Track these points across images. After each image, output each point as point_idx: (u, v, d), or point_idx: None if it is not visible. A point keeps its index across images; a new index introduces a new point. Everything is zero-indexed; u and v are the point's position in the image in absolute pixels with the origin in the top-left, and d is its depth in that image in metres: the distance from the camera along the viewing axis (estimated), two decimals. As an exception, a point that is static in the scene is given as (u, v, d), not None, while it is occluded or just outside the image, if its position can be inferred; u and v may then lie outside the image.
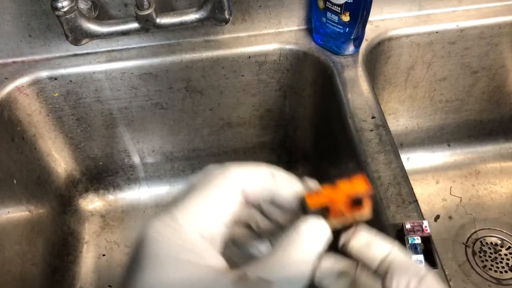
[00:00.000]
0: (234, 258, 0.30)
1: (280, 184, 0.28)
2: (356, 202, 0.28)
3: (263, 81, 0.67)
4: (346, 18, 0.56)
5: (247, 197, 0.27)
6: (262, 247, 0.32)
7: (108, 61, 0.62)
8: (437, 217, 0.75)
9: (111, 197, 0.79)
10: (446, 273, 0.41)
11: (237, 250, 0.31)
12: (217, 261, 0.25)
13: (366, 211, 0.29)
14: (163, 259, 0.24)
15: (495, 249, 0.71)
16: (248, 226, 0.32)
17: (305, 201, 0.28)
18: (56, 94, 0.63)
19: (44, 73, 0.61)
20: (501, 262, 0.69)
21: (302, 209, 0.28)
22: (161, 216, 0.26)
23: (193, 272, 0.23)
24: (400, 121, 0.77)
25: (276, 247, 0.25)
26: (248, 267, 0.24)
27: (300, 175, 0.85)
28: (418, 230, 0.41)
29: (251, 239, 0.32)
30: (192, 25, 0.55)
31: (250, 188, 0.27)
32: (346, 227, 0.29)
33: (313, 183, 0.29)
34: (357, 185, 0.29)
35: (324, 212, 0.28)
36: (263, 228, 0.31)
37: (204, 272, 0.24)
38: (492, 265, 0.69)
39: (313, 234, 0.26)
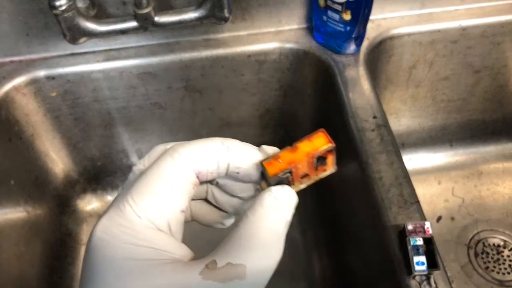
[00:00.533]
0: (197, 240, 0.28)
1: (236, 156, 0.26)
2: (319, 160, 0.27)
3: (263, 81, 0.66)
4: (347, 16, 0.55)
5: (200, 176, 0.25)
6: (226, 221, 0.31)
7: (106, 60, 0.61)
8: (439, 218, 0.74)
9: (109, 197, 0.78)
10: (448, 274, 0.41)
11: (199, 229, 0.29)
12: (180, 252, 0.23)
13: (330, 166, 0.28)
14: (117, 263, 0.21)
15: (497, 250, 0.70)
16: (206, 201, 0.30)
17: (265, 169, 0.26)
18: (54, 94, 0.63)
19: (41, 73, 0.61)
20: (504, 264, 0.69)
21: (264, 178, 0.27)
22: (109, 212, 0.24)
23: (155, 272, 0.21)
24: (401, 121, 0.77)
25: (242, 225, 0.23)
26: (215, 252, 0.23)
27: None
28: (420, 231, 0.41)
29: (213, 214, 0.30)
30: (191, 23, 0.55)
31: (202, 166, 0.25)
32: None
33: (272, 149, 0.28)
34: (317, 143, 0.27)
35: (288, 177, 0.26)
36: (223, 202, 0.29)
37: (168, 269, 0.21)
38: (494, 267, 0.69)
39: (279, 203, 0.24)
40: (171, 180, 0.24)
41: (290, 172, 0.26)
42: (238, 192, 0.29)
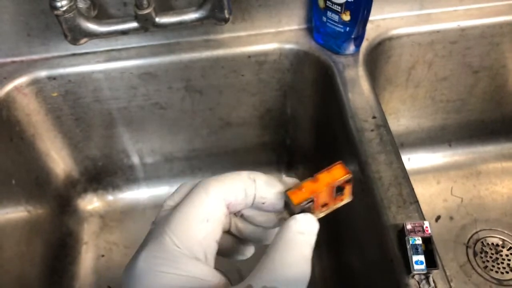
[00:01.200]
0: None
1: (262, 187, 0.28)
2: (338, 190, 0.30)
3: (263, 81, 0.66)
4: (346, 17, 0.56)
5: (230, 207, 0.28)
6: (247, 252, 0.32)
7: (107, 60, 0.62)
8: (438, 218, 0.75)
9: (110, 197, 0.78)
10: (447, 273, 0.41)
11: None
12: (216, 279, 0.25)
13: (347, 196, 0.31)
14: None
15: (496, 249, 0.71)
16: (228, 232, 0.31)
17: (289, 198, 0.28)
18: (55, 94, 0.63)
19: (43, 73, 0.61)
20: (502, 263, 0.69)
21: (287, 207, 0.29)
22: (148, 245, 0.25)
23: None
24: (401, 121, 0.77)
25: (272, 250, 0.25)
26: (250, 277, 0.24)
27: (300, 175, 0.85)
28: (419, 231, 0.41)
29: (236, 245, 0.32)
30: (192, 24, 0.55)
31: (232, 198, 0.27)
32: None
33: (292, 180, 0.30)
34: (336, 174, 0.30)
35: (310, 205, 0.29)
36: (247, 233, 0.31)
37: None
38: (493, 266, 0.69)
39: (305, 230, 0.27)
40: (205, 212, 0.26)
41: (312, 201, 0.29)
42: (263, 222, 0.30)
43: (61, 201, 0.73)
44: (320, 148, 0.72)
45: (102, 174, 0.76)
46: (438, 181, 0.79)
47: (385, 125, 0.53)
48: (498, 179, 0.79)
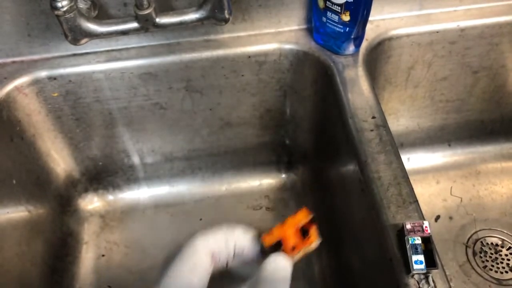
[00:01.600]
0: None
1: (240, 235, 0.33)
2: (303, 232, 0.34)
3: (263, 81, 0.66)
4: (346, 17, 0.56)
5: (214, 256, 0.32)
6: None
7: (107, 61, 0.62)
8: (437, 218, 0.75)
9: (110, 197, 0.79)
10: (447, 273, 0.41)
11: None
12: None
13: (314, 237, 0.35)
14: None
15: (495, 249, 0.71)
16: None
17: (262, 241, 0.33)
18: (56, 94, 0.63)
19: (43, 73, 0.61)
20: (502, 263, 0.69)
21: (262, 250, 0.33)
22: None
23: None
24: (400, 121, 0.77)
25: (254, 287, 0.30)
26: None
27: (300, 175, 0.85)
28: (419, 231, 0.41)
29: None
30: (192, 24, 0.55)
31: (216, 247, 0.32)
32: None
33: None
34: (299, 217, 0.34)
35: (280, 248, 0.33)
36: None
37: None
38: (492, 266, 0.69)
39: (279, 267, 0.31)
40: (192, 265, 0.30)
41: (281, 244, 0.33)
42: (241, 270, 0.35)
43: (61, 201, 0.73)
44: (320, 148, 0.72)
45: (103, 174, 0.77)
46: (438, 181, 0.79)
47: (384, 125, 0.53)
48: (497, 179, 0.79)
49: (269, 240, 0.33)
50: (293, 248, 0.34)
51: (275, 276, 0.31)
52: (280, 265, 0.32)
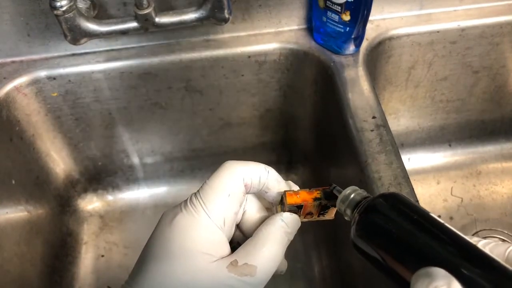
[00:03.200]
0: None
1: (272, 180, 0.34)
2: (324, 208, 0.35)
3: (263, 81, 0.66)
4: (346, 17, 0.56)
5: (246, 188, 0.33)
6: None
7: (107, 60, 0.62)
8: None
9: (110, 197, 0.78)
10: (448, 274, 0.41)
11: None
12: (224, 250, 0.31)
13: (330, 215, 0.36)
14: (183, 252, 0.30)
15: (496, 249, 0.70)
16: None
17: (285, 197, 0.34)
18: (55, 94, 0.63)
19: (42, 73, 0.61)
20: (503, 263, 0.69)
21: (281, 203, 0.35)
22: (188, 207, 0.32)
23: (200, 264, 0.30)
24: (401, 121, 0.77)
25: (257, 236, 0.32)
26: (237, 252, 0.31)
27: (300, 175, 0.84)
28: (419, 231, 0.41)
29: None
30: (192, 24, 0.55)
31: (249, 181, 0.33)
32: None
33: (295, 186, 0.36)
34: (327, 195, 0.35)
35: (298, 209, 0.34)
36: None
37: (206, 259, 0.30)
38: (493, 266, 0.69)
39: (286, 226, 0.33)
40: (228, 188, 0.32)
41: (301, 207, 0.34)
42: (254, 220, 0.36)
43: (61, 201, 0.73)
44: (320, 148, 0.72)
45: (102, 174, 0.76)
46: (438, 181, 0.79)
47: (385, 125, 0.53)
48: (498, 179, 0.79)
49: (292, 200, 0.34)
50: (308, 214, 0.35)
51: (281, 232, 0.32)
52: (291, 225, 0.33)
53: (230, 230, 0.33)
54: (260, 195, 0.36)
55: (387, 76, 0.69)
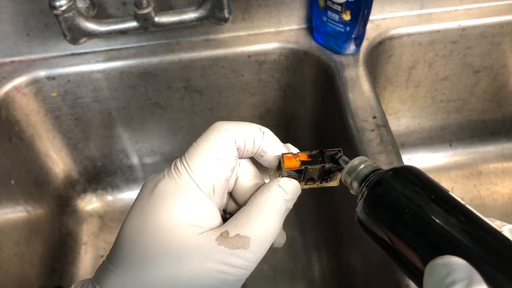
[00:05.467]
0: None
1: (268, 142, 0.30)
2: (328, 173, 0.30)
3: (263, 81, 0.66)
4: (347, 17, 0.56)
5: (239, 151, 0.29)
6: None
7: (106, 60, 0.62)
8: (438, 218, 0.74)
9: (109, 197, 0.78)
10: (448, 275, 0.41)
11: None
12: (213, 221, 0.28)
13: (334, 181, 0.32)
14: (165, 224, 0.26)
15: (497, 250, 0.70)
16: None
17: (283, 161, 0.29)
18: (54, 94, 0.63)
19: (42, 73, 0.61)
20: (503, 263, 0.69)
21: (279, 168, 0.30)
22: (172, 172, 0.28)
23: (184, 232, 0.26)
24: (401, 121, 0.77)
25: (251, 204, 0.28)
26: (228, 223, 0.28)
27: (300, 175, 0.83)
28: (420, 231, 0.41)
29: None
30: (191, 24, 0.55)
31: (242, 143, 0.29)
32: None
33: (295, 149, 0.32)
34: (332, 156, 0.30)
35: (297, 174, 0.30)
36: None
37: (193, 230, 0.27)
38: (494, 267, 0.69)
39: (283, 193, 0.29)
40: (218, 151, 0.28)
41: (301, 172, 0.30)
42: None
43: (60, 201, 0.73)
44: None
45: (102, 174, 0.76)
46: (439, 181, 0.78)
47: (385, 125, 0.53)
48: (498, 179, 0.79)
49: (291, 163, 0.29)
50: (309, 180, 0.31)
51: (277, 200, 0.28)
52: (288, 190, 0.29)
53: (221, 198, 0.29)
54: (255, 159, 0.32)
55: (387, 76, 0.69)
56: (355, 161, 0.29)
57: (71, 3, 0.50)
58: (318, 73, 0.63)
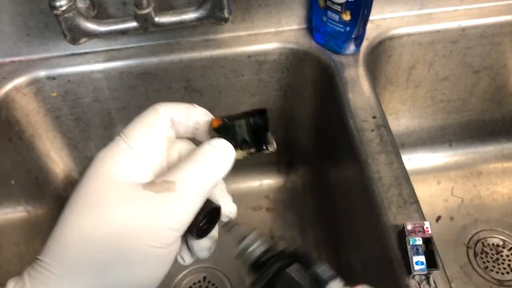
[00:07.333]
0: None
1: (200, 114, 0.33)
2: (257, 134, 0.32)
3: (263, 81, 0.66)
4: (347, 17, 0.56)
5: (174, 124, 0.32)
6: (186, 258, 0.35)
7: (106, 60, 0.62)
8: (438, 218, 0.74)
9: (109, 197, 0.78)
10: (448, 274, 0.41)
11: None
12: (146, 176, 0.29)
13: (271, 147, 0.33)
14: (95, 177, 0.28)
15: (496, 250, 0.70)
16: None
17: (211, 123, 0.32)
18: (54, 94, 0.63)
19: (42, 73, 0.61)
20: (503, 263, 0.69)
21: (210, 133, 0.32)
22: (109, 143, 0.30)
23: (113, 184, 0.28)
24: (401, 121, 0.77)
25: (182, 161, 0.29)
26: (166, 174, 0.29)
27: (300, 175, 0.84)
28: (419, 231, 0.41)
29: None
30: (191, 24, 0.55)
31: (176, 115, 0.32)
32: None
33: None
34: (256, 114, 0.32)
35: (227, 136, 0.31)
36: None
37: (124, 183, 0.28)
38: (493, 266, 0.69)
39: (213, 147, 0.30)
40: (151, 119, 0.31)
41: (229, 130, 0.31)
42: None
43: (60, 201, 0.73)
44: (320, 148, 0.72)
45: (102, 174, 0.76)
46: (439, 181, 0.79)
47: (385, 125, 0.53)
48: (498, 179, 0.79)
49: (217, 123, 0.31)
50: (243, 144, 0.32)
51: (208, 155, 0.29)
52: (219, 145, 0.30)
53: (158, 163, 0.30)
54: (194, 138, 0.33)
55: (387, 76, 0.69)
56: (246, 240, 0.31)
57: (71, 3, 0.50)
58: (318, 73, 0.63)
